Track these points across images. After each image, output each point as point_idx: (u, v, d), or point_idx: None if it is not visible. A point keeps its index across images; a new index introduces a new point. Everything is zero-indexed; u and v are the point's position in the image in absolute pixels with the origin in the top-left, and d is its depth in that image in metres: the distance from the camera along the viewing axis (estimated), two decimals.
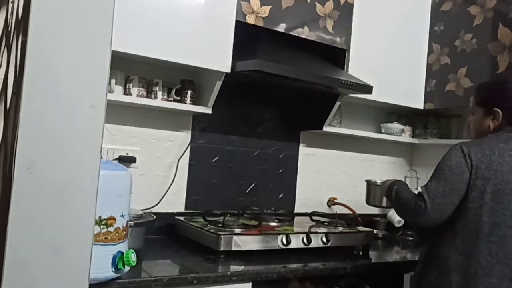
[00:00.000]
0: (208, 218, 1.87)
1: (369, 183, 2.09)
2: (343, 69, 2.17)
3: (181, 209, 2.08)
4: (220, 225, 1.79)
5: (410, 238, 2.49)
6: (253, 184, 2.28)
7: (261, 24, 1.93)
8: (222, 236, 1.68)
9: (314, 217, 2.16)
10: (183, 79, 1.96)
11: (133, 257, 1.29)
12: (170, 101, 1.91)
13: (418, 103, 2.47)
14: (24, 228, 0.86)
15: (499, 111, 1.55)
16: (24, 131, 0.86)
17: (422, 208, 1.47)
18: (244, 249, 1.71)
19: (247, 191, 2.27)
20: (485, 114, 1.60)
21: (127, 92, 1.85)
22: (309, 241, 1.84)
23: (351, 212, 2.31)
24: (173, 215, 2.02)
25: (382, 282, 1.76)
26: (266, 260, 1.71)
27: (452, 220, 1.49)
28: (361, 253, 2.01)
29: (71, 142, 0.91)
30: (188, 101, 1.93)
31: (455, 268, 1.46)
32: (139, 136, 1.98)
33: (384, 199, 1.97)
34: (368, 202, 2.11)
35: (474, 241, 1.44)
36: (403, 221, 2.45)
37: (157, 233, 1.97)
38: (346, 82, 1.96)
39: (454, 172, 1.47)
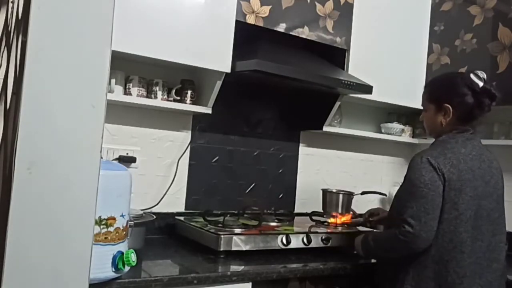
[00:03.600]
0: (208, 218, 1.87)
1: (325, 191, 2.21)
2: (343, 69, 2.17)
3: (181, 209, 2.08)
4: (220, 225, 1.79)
5: None
6: (253, 184, 2.28)
7: (261, 24, 1.93)
8: (222, 236, 1.67)
9: (314, 217, 2.16)
10: (183, 79, 1.96)
11: (133, 257, 1.29)
12: (170, 101, 1.91)
13: (418, 103, 2.43)
14: (24, 228, 0.86)
15: (450, 107, 1.57)
16: (24, 131, 0.86)
17: (410, 232, 1.44)
18: (244, 249, 1.70)
19: (247, 191, 2.27)
20: (436, 111, 1.62)
21: (127, 92, 1.85)
22: (309, 241, 1.84)
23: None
24: (173, 215, 2.02)
25: None
26: (266, 260, 1.71)
27: None
28: None
29: (71, 142, 0.91)
30: (188, 101, 1.93)
31: (433, 277, 1.46)
32: (139, 136, 1.98)
33: (340, 207, 2.13)
34: (324, 209, 2.20)
35: (451, 251, 1.45)
36: None
37: (157, 233, 1.97)
38: (346, 82, 1.96)
39: (430, 187, 1.46)
